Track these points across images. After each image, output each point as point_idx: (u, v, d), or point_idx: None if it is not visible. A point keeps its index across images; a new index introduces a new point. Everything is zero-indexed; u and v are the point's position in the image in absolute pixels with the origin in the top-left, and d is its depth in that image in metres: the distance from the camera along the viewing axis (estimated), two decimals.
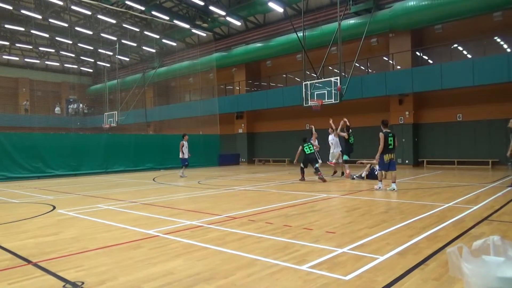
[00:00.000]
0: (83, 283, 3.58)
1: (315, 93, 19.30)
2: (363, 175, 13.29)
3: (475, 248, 2.89)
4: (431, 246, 4.59)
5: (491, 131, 18.13)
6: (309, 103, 19.41)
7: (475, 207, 7.26)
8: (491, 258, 2.66)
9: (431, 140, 20.20)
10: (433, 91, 18.82)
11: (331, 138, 14.73)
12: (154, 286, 3.47)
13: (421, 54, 21.23)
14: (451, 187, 10.67)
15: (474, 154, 18.82)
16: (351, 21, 20.78)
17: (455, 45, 19.99)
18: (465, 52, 20.26)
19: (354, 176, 13.29)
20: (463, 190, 9.86)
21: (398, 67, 20.72)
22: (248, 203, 8.49)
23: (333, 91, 18.37)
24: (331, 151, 14.78)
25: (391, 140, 9.90)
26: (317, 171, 12.82)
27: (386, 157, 9.85)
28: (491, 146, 18.14)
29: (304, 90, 19.65)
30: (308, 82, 19.52)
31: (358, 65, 20.99)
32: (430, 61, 21.18)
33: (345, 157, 14.21)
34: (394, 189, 9.82)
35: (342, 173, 14.61)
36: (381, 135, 9.92)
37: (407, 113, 20.21)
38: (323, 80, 19.16)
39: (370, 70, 22.41)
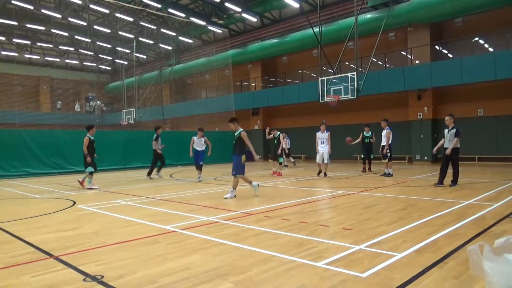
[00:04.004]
0: (102, 276, 3.66)
1: (332, 89, 19.13)
2: (391, 172, 13.04)
3: (497, 246, 2.83)
4: (451, 244, 4.51)
5: None
6: (326, 99, 19.27)
7: (496, 205, 7.08)
8: None
9: None
10: (453, 86, 18.39)
11: (323, 136, 13.73)
12: (171, 281, 3.51)
13: (441, 48, 20.77)
14: (471, 184, 10.43)
15: (495, 150, 18.35)
16: (368, 15, 20.48)
17: (476, 39, 19.48)
18: (486, 46, 19.73)
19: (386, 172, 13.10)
20: (484, 187, 9.63)
21: (417, 61, 20.33)
22: (264, 200, 8.50)
23: (349, 87, 18.18)
24: (321, 150, 13.51)
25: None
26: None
27: (244, 158, 8.86)
28: None
29: (320, 86, 19.51)
30: (325, 78, 19.37)
31: (375, 60, 20.71)
32: (450, 55, 20.71)
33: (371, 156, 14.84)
34: (234, 196, 8.78)
35: (321, 172, 13.84)
36: (244, 133, 8.82)
37: (426, 108, 19.84)
38: (339, 75, 18.98)
39: (387, 65, 22.05)
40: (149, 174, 14.39)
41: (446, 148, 9.76)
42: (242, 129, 8.88)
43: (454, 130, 9.59)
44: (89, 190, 11.06)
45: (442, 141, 10.06)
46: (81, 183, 11.69)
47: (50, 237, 5.37)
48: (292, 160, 20.03)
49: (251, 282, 3.44)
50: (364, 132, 14.64)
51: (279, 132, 14.71)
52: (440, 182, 9.81)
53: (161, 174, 14.92)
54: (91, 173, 11.43)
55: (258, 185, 9.10)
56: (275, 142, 14.45)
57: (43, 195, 10.18)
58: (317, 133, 13.72)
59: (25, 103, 36.53)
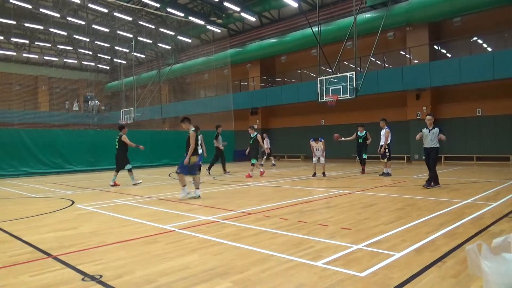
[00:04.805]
0: (101, 276, 3.65)
1: (330, 88, 19.15)
2: (389, 172, 13.08)
3: (495, 245, 2.84)
4: (449, 243, 4.52)
5: None
6: (324, 98, 19.28)
7: (494, 204, 7.10)
8: None
9: (449, 135, 19.58)
10: (452, 85, 18.42)
11: (318, 145, 13.56)
12: (170, 280, 3.51)
13: (439, 48, 20.81)
14: (469, 184, 10.46)
15: (494, 150, 18.39)
16: (367, 15, 20.50)
17: (475, 38, 19.52)
18: (485, 45, 19.76)
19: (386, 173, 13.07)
20: (482, 187, 9.65)
21: (415, 61, 20.36)
22: (262, 199, 8.51)
23: (348, 86, 18.19)
24: (318, 155, 13.61)
25: (199, 140, 8.85)
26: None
27: (194, 159, 8.66)
28: None
29: (319, 85, 19.52)
30: (323, 78, 19.38)
31: (374, 59, 20.73)
32: (449, 55, 20.74)
33: (365, 156, 14.20)
34: (199, 196, 8.69)
35: (316, 174, 13.69)
36: (193, 133, 8.65)
37: (424, 108, 19.87)
38: (338, 75, 19.00)
39: (386, 65, 22.08)
40: (209, 169, 15.36)
41: (427, 148, 9.73)
42: (193, 129, 8.74)
43: (437, 129, 9.59)
44: (85, 190, 11.05)
45: (420, 134, 9.82)
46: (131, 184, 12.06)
47: (48, 236, 5.36)
48: (273, 160, 20.27)
49: (249, 282, 3.44)
50: (358, 132, 14.08)
51: (256, 133, 14.31)
52: (436, 182, 9.75)
53: (211, 172, 15.47)
54: (130, 170, 12.22)
55: (188, 193, 8.77)
56: (251, 142, 14.25)
57: (41, 195, 10.16)
58: (311, 142, 13.69)
59: (24, 103, 36.46)
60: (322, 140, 13.57)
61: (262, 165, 19.66)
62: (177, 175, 8.89)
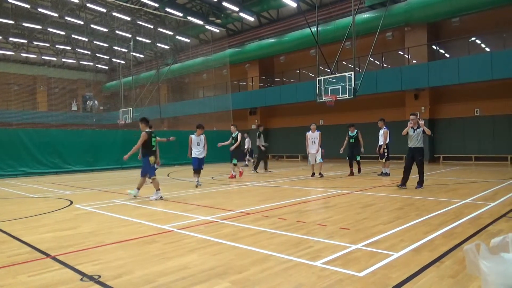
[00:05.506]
0: (99, 276, 3.65)
1: (329, 88, 19.16)
2: (388, 172, 13.10)
3: (494, 245, 2.84)
4: (447, 243, 4.53)
5: (510, 126, 17.72)
6: (323, 98, 19.29)
7: (492, 204, 7.11)
8: (510, 256, 2.62)
9: (448, 135, 19.85)
10: (450, 85, 18.45)
11: (314, 135, 13.24)
12: (169, 280, 3.51)
13: (438, 48, 20.83)
14: (468, 183, 10.47)
15: (492, 150, 18.43)
16: (366, 15, 20.51)
17: (473, 38, 19.55)
18: (483, 45, 19.80)
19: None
20: (480, 187, 9.67)
21: (414, 61, 20.38)
22: (261, 199, 8.51)
23: (347, 86, 18.21)
24: (312, 151, 13.23)
25: (154, 141, 9.02)
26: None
27: (152, 159, 8.90)
28: (510, 141, 17.74)
29: (317, 85, 19.53)
30: (322, 78, 19.39)
31: (372, 59, 20.74)
32: (447, 55, 20.77)
33: (358, 157, 13.85)
34: (161, 197, 8.75)
35: (314, 174, 13.47)
36: (144, 134, 8.85)
37: (423, 108, 19.89)
38: (337, 75, 19.00)
39: (385, 65, 22.10)
40: (255, 168, 15.68)
41: (411, 148, 9.56)
42: (147, 130, 8.93)
43: (421, 129, 9.53)
44: (83, 190, 11.03)
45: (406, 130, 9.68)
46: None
47: (47, 236, 5.35)
48: (252, 160, 20.26)
49: (248, 282, 3.44)
50: (349, 132, 13.71)
51: (237, 132, 14.14)
52: (403, 184, 9.53)
53: (257, 170, 15.69)
54: None
55: (135, 196, 9.01)
56: (233, 142, 13.94)
57: (40, 195, 10.14)
58: (307, 133, 13.34)
59: (22, 102, 36.39)
60: (319, 132, 13.23)
61: (248, 165, 19.72)
62: (152, 181, 8.94)
